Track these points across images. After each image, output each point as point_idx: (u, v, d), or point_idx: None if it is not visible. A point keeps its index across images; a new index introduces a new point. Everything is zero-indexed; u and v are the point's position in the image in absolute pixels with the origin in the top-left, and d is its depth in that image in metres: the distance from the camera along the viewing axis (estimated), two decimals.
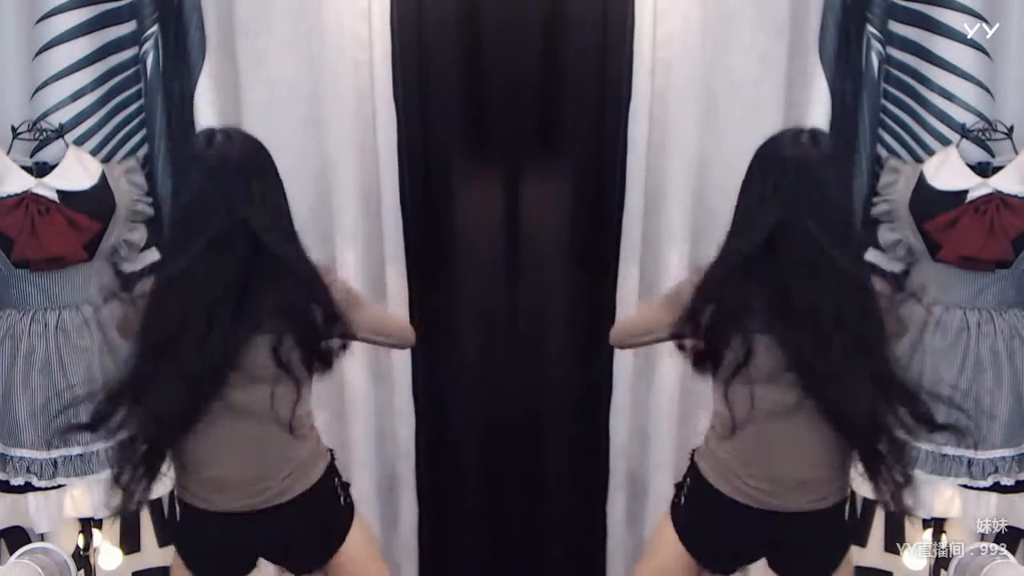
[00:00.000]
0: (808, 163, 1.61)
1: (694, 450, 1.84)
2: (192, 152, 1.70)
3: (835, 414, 1.63)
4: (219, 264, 1.59)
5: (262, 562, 1.83)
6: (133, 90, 2.28)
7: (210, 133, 1.69)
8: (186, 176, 1.73)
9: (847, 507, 1.79)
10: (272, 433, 1.69)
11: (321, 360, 1.71)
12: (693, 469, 1.81)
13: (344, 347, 1.76)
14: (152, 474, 1.66)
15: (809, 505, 1.70)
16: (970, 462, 2.24)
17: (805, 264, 1.58)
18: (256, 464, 1.69)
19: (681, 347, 1.76)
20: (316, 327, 1.67)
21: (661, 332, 1.79)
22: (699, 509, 1.79)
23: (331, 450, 1.83)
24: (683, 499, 1.82)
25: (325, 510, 1.79)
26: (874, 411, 1.62)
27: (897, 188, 2.26)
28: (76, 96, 2.23)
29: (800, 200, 1.59)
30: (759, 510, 1.71)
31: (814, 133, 1.68)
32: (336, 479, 1.81)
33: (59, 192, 2.16)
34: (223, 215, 1.60)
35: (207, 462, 1.68)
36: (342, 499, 1.81)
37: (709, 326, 1.66)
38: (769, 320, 1.61)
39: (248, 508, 1.70)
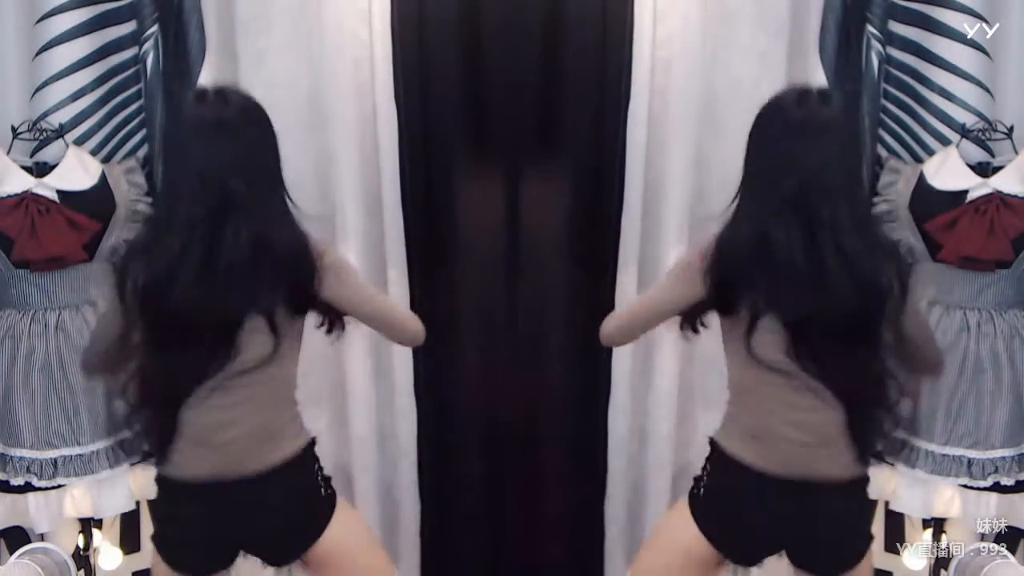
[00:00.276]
0: (820, 122, 1.61)
1: (711, 437, 1.81)
2: (184, 111, 1.68)
3: (826, 378, 1.62)
4: (209, 229, 1.58)
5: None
6: (133, 90, 2.28)
7: (201, 92, 1.67)
8: (174, 134, 1.70)
9: (867, 488, 1.75)
10: (254, 396, 1.67)
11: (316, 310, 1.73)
12: (713, 449, 1.78)
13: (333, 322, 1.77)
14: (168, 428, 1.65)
15: (824, 472, 1.68)
16: (970, 462, 2.24)
17: (817, 223, 1.57)
18: (233, 424, 1.67)
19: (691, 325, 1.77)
20: (301, 290, 1.66)
21: (668, 309, 1.79)
22: (721, 488, 1.76)
23: (313, 438, 1.80)
24: (702, 488, 1.79)
25: (303, 491, 1.75)
26: (864, 378, 1.62)
27: (897, 188, 2.26)
28: (76, 96, 2.23)
29: (815, 159, 1.58)
30: (782, 480, 1.68)
31: (822, 92, 1.67)
32: (316, 465, 1.79)
33: (59, 192, 2.16)
34: (211, 175, 1.59)
35: (189, 422, 1.66)
36: (323, 489, 1.78)
37: (722, 288, 1.66)
38: (777, 282, 1.60)
39: (223, 475, 1.67)
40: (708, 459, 1.80)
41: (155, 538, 1.79)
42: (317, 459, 1.80)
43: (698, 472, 1.82)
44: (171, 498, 1.74)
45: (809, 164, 1.59)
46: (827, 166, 1.59)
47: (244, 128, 1.65)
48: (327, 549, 1.77)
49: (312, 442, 1.79)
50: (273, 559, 1.82)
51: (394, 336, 1.89)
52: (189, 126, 1.66)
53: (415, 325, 1.87)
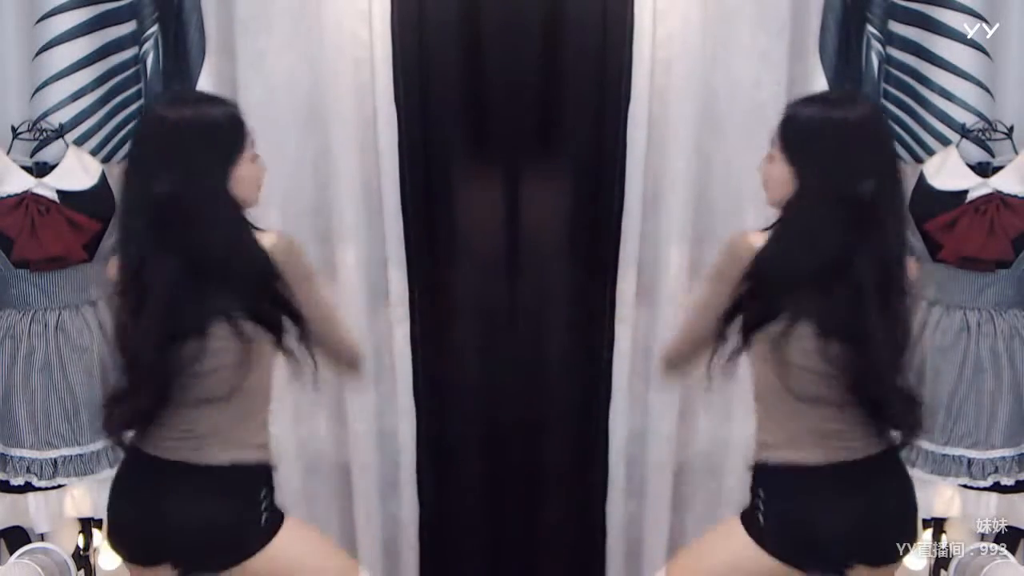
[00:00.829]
0: (861, 127, 1.61)
1: (752, 467, 1.75)
2: (152, 111, 1.63)
3: (850, 380, 1.61)
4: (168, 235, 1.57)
5: None
6: (133, 90, 2.28)
7: (174, 93, 1.64)
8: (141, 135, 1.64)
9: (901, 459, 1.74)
10: (223, 395, 1.63)
11: (271, 328, 1.66)
12: (759, 470, 1.73)
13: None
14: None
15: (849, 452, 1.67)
16: (970, 462, 2.24)
17: (860, 231, 1.57)
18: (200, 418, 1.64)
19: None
20: (258, 296, 1.62)
21: (718, 310, 1.72)
22: (783, 499, 1.70)
23: (271, 468, 1.72)
24: (761, 510, 1.71)
25: (240, 506, 1.68)
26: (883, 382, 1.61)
27: None
28: (76, 96, 2.23)
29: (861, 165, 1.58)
30: (829, 469, 1.66)
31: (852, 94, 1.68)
32: (268, 487, 1.71)
33: (59, 192, 2.16)
34: (168, 179, 1.55)
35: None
36: (261, 516, 1.69)
37: (763, 291, 1.64)
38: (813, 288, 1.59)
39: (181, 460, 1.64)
40: (756, 482, 1.73)
41: (109, 524, 1.73)
42: (271, 482, 1.71)
43: (746, 504, 1.75)
44: (132, 472, 1.70)
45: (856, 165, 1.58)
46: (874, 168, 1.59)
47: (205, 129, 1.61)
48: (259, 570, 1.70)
49: (271, 469, 1.72)
50: (191, 567, 1.72)
51: (333, 355, 1.80)
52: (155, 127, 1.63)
53: (355, 347, 1.84)
